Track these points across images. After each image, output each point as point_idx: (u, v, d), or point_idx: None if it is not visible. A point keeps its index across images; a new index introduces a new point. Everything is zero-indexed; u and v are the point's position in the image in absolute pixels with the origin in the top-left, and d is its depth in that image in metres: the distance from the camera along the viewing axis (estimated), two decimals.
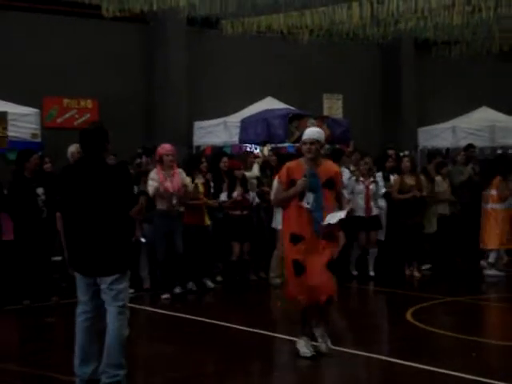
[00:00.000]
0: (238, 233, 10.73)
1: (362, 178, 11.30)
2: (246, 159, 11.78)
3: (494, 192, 11.65)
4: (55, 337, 8.25)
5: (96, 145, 5.70)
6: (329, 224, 6.54)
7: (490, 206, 11.69)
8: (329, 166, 6.84)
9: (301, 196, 6.63)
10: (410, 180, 11.50)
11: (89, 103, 14.28)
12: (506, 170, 11.78)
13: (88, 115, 14.18)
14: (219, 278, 11.03)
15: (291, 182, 6.67)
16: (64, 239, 5.92)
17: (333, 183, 6.72)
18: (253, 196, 11.04)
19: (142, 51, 14.96)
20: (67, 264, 6.19)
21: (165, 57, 14.85)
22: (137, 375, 6.42)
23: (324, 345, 6.76)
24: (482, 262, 11.89)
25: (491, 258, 11.69)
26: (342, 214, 6.59)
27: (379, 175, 11.77)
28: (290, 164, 6.84)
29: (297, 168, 6.73)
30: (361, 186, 11.26)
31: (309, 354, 6.63)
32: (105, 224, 5.53)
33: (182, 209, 10.15)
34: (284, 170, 6.80)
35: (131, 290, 10.06)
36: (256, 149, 13.49)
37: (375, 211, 11.39)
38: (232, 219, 10.76)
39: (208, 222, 10.51)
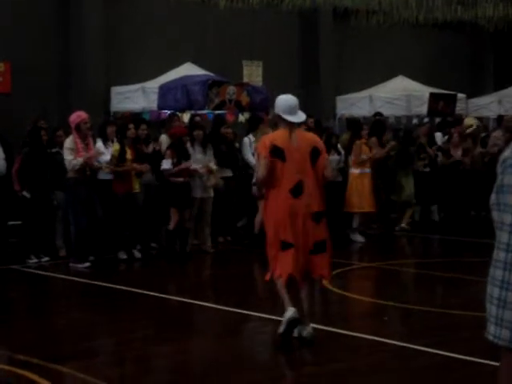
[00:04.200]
0: (178, 199, 10.51)
1: None
2: (173, 124, 11.67)
3: (352, 157, 11.95)
4: None
5: None
6: None
7: (351, 170, 11.99)
8: None
9: None
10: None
11: (1, 66, 13.82)
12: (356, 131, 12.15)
13: (0, 79, 13.74)
14: (154, 245, 10.89)
15: None
16: None
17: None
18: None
19: (57, 13, 14.50)
20: None
21: (80, 20, 14.45)
22: (52, 345, 6.33)
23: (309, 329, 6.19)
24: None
25: (354, 223, 11.94)
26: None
27: None
28: None
29: None
30: None
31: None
32: None
33: (108, 176, 10.07)
34: None
35: (46, 258, 10.03)
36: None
37: None
38: (173, 186, 10.43)
39: (137, 189, 10.37)
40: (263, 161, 6.12)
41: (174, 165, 10.38)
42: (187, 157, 10.52)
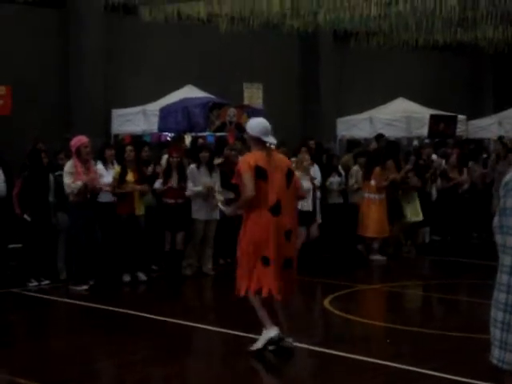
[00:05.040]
0: (170, 222, 10.57)
1: None
2: (180, 145, 11.71)
3: (372, 182, 11.95)
4: None
5: None
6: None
7: (367, 195, 11.99)
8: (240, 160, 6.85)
9: None
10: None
11: (2, 89, 13.83)
12: (383, 159, 12.17)
13: (1, 102, 13.76)
14: (155, 267, 10.84)
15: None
16: None
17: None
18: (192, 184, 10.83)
19: (59, 37, 14.58)
20: None
21: (82, 43, 14.51)
22: (53, 368, 6.29)
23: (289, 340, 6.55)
24: (360, 247, 12.23)
25: (376, 245, 12.04)
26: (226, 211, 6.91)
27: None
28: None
29: None
30: None
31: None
32: None
33: (110, 198, 10.10)
34: None
35: (46, 281, 9.99)
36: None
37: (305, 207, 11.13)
38: (166, 208, 10.54)
39: (141, 211, 10.36)
40: (250, 180, 6.36)
41: (164, 184, 10.48)
42: (183, 178, 10.56)
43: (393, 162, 12.25)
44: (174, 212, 10.46)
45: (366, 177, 12.02)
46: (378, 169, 11.95)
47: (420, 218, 12.59)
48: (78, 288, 9.60)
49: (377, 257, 12.04)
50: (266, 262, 6.42)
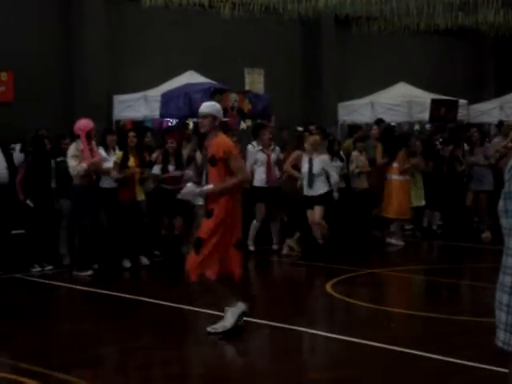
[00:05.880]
0: (168, 207, 10.60)
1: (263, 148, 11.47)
2: (183, 132, 11.71)
3: (395, 164, 12.06)
4: None
5: None
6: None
7: (391, 176, 12.11)
8: (215, 142, 6.58)
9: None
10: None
11: (3, 76, 13.82)
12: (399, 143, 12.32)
13: (3, 88, 13.75)
14: (157, 252, 10.89)
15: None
16: None
17: (214, 160, 6.51)
18: (189, 171, 10.86)
19: (59, 22, 14.53)
20: None
21: (83, 29, 14.48)
22: (56, 353, 6.32)
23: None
24: (377, 232, 12.37)
25: (392, 227, 12.11)
26: (196, 190, 6.66)
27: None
28: None
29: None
30: (263, 156, 11.41)
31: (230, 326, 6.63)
32: None
33: (111, 184, 10.14)
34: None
35: (50, 267, 10.02)
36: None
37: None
38: (164, 193, 10.63)
39: (142, 196, 10.39)
40: (242, 162, 6.63)
41: (163, 171, 10.53)
42: (180, 165, 10.61)
43: (405, 151, 12.29)
44: (172, 197, 10.47)
45: (390, 159, 12.13)
46: (401, 152, 12.07)
47: (422, 203, 12.65)
48: (82, 273, 9.63)
49: (393, 240, 12.10)
50: (239, 245, 6.68)
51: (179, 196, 7.14)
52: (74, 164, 9.54)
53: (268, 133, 11.62)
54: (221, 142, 6.59)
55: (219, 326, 6.62)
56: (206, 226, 6.53)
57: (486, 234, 12.54)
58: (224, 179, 6.50)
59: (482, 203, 12.86)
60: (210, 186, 6.55)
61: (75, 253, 9.93)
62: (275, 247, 11.49)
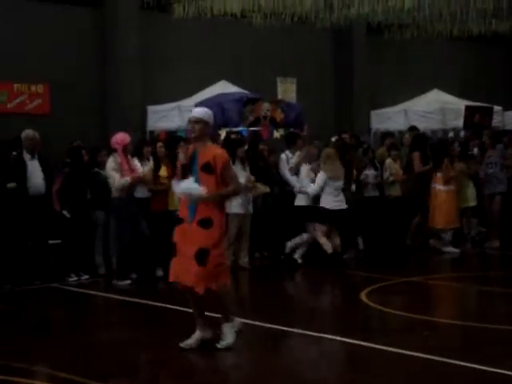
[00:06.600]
0: None
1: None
2: (215, 142, 11.73)
3: (439, 174, 12.06)
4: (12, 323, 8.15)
5: None
6: (190, 197, 6.27)
7: (436, 186, 12.10)
8: (210, 149, 6.43)
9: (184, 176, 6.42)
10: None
11: (40, 88, 14.05)
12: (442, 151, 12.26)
13: (39, 100, 13.97)
14: None
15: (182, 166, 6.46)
16: None
17: (210, 167, 6.34)
18: None
19: (95, 35, 14.75)
20: None
21: (117, 41, 14.67)
22: (93, 362, 6.38)
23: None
24: (432, 241, 12.27)
25: (448, 236, 12.13)
26: (199, 189, 6.24)
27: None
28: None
29: (189, 150, 6.49)
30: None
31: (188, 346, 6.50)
32: None
33: (145, 194, 10.28)
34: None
35: (86, 276, 10.14)
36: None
37: None
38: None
39: (174, 206, 10.45)
40: (234, 170, 6.49)
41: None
42: None
43: (419, 154, 12.23)
44: None
45: (434, 168, 12.12)
46: (446, 160, 12.04)
47: (472, 203, 12.63)
48: (121, 283, 9.73)
49: (449, 249, 12.06)
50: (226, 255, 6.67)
51: (177, 189, 6.61)
52: (117, 177, 9.66)
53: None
54: (218, 151, 6.52)
55: (224, 345, 6.48)
56: (207, 236, 6.32)
57: (494, 243, 12.37)
58: (220, 188, 6.37)
59: (496, 206, 12.67)
60: (218, 193, 6.37)
61: (116, 263, 10.03)
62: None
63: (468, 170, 12.61)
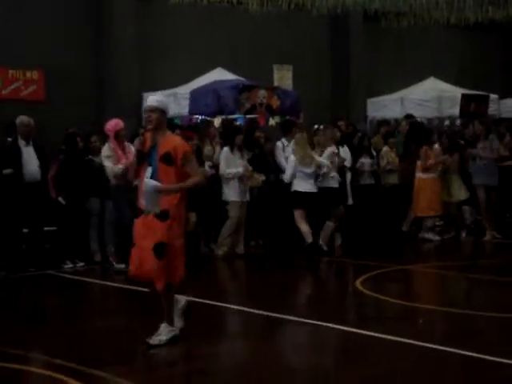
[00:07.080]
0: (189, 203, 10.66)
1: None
2: (207, 130, 11.77)
3: (419, 162, 12.06)
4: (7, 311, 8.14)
5: None
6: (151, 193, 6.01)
7: (417, 174, 12.11)
8: (170, 139, 6.18)
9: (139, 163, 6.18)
10: None
11: (35, 74, 13.98)
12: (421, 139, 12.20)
13: (34, 87, 13.90)
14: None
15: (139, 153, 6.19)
16: None
17: (171, 158, 6.08)
18: (207, 167, 10.97)
19: (90, 21, 14.66)
20: None
21: (113, 27, 14.59)
22: (89, 349, 6.38)
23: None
24: (404, 227, 12.39)
25: (429, 223, 12.11)
26: (158, 185, 6.01)
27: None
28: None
29: (148, 139, 6.19)
30: None
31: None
32: None
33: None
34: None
35: (81, 263, 10.13)
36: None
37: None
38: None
39: None
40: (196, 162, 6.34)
41: None
42: (201, 162, 10.64)
43: (439, 146, 12.25)
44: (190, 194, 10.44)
45: (416, 157, 12.12)
46: (422, 149, 12.02)
47: (462, 197, 12.53)
48: (117, 266, 9.75)
49: (428, 235, 12.06)
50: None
51: (146, 187, 6.19)
52: (111, 165, 9.61)
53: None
54: (178, 141, 6.25)
55: (156, 341, 6.29)
56: (164, 228, 6.06)
57: (490, 235, 12.28)
58: (181, 179, 6.13)
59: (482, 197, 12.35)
60: (178, 185, 6.15)
61: (106, 249, 10.03)
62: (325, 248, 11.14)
63: (449, 163, 12.31)
